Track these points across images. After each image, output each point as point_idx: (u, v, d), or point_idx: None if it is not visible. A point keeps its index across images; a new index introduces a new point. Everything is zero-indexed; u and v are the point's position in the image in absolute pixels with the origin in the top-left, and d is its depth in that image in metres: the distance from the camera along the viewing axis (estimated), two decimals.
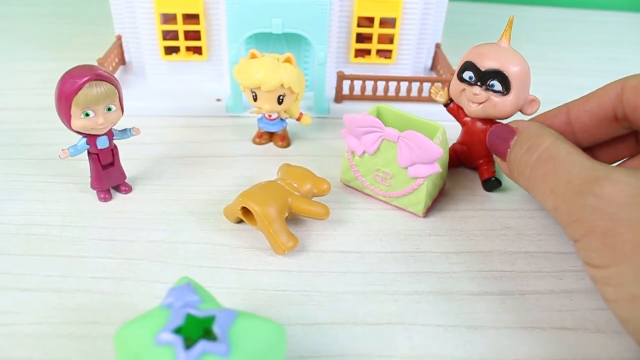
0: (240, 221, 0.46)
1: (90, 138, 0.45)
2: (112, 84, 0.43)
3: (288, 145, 0.56)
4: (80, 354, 0.35)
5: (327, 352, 0.36)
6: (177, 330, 0.29)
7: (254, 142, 0.56)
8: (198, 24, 0.60)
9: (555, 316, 0.39)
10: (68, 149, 0.45)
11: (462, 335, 0.37)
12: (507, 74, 0.45)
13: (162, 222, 0.46)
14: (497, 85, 0.46)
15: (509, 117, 0.47)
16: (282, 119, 0.54)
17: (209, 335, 0.29)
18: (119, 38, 0.65)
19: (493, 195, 0.51)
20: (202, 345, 0.28)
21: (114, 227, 0.45)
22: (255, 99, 0.51)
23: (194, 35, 0.61)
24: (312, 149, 0.56)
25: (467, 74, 0.47)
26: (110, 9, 0.64)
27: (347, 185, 0.50)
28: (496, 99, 0.46)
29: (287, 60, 0.50)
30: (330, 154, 0.55)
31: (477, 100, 0.47)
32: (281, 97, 0.50)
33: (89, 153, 0.46)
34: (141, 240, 0.44)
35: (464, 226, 0.47)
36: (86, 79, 0.41)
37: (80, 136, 0.45)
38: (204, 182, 0.51)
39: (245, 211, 0.44)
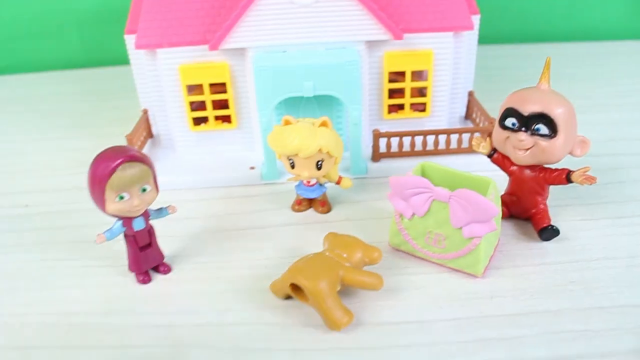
0: (288, 297, 0.43)
1: (126, 220, 0.43)
2: (146, 164, 0.41)
3: (329, 210, 0.54)
4: None
5: None
6: None
7: (293, 209, 0.54)
8: (225, 92, 0.59)
9: None
10: (104, 233, 0.43)
11: None
12: (552, 116, 0.43)
13: (206, 303, 0.43)
14: (543, 129, 0.44)
15: (559, 160, 0.45)
16: (321, 184, 0.52)
17: None
18: (145, 112, 0.64)
19: (551, 246, 0.48)
20: None
21: (156, 312, 0.43)
22: (292, 167, 0.49)
23: (222, 104, 0.60)
24: (354, 213, 0.54)
25: (510, 121, 0.45)
26: (135, 83, 0.63)
27: (396, 250, 0.48)
28: (544, 143, 0.44)
29: (323, 124, 0.48)
30: (373, 216, 0.53)
31: (524, 147, 0.45)
32: (320, 163, 0.48)
33: (125, 235, 0.44)
34: (187, 324, 0.41)
35: (526, 284, 0.44)
36: (119, 161, 0.40)
37: (116, 219, 0.43)
38: (246, 256, 0.48)
39: (295, 287, 0.41)
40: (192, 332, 0.41)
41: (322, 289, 0.40)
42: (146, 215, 0.44)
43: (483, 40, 0.93)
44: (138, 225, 0.44)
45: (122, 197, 0.41)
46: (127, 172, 0.40)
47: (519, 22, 1.01)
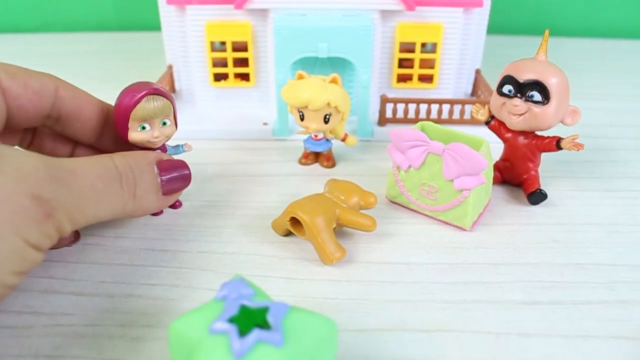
0: (288, 234, 0.46)
1: None
2: (168, 99, 0.45)
3: (333, 165, 0.57)
4: (132, 354, 0.36)
5: (378, 357, 0.36)
6: (231, 320, 0.29)
7: (300, 162, 0.57)
8: (246, 51, 0.62)
9: (610, 325, 0.38)
10: None
11: (514, 343, 0.37)
12: (545, 84, 0.46)
13: (211, 235, 0.47)
14: (537, 96, 0.46)
15: (551, 127, 0.48)
16: (327, 140, 0.55)
17: (263, 324, 0.29)
18: (170, 67, 0.68)
19: (539, 210, 0.50)
20: (256, 333, 0.28)
21: (165, 238, 0.46)
22: (302, 119, 0.52)
23: (242, 63, 0.63)
24: (357, 169, 0.57)
25: (507, 88, 0.48)
26: (163, 41, 0.67)
27: (392, 202, 0.51)
28: (536, 109, 0.47)
29: (333, 81, 0.51)
30: (374, 173, 0.56)
31: (518, 112, 0.48)
32: (327, 117, 0.51)
33: None
34: (192, 250, 0.45)
35: (510, 239, 0.46)
36: (144, 92, 0.43)
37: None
38: (252, 198, 0.52)
39: (294, 222, 0.44)
40: (196, 257, 0.44)
41: (318, 223, 0.43)
42: (164, 149, 0.47)
43: (498, 30, 0.95)
44: None
45: (144, 127, 0.44)
46: (150, 103, 0.43)
47: (535, 15, 1.03)
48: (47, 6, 1.03)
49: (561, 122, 0.48)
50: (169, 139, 0.46)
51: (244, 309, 0.30)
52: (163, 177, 0.43)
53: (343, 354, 0.36)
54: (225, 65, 0.63)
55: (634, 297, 0.40)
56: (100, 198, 0.37)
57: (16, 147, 0.45)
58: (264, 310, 0.30)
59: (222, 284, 0.32)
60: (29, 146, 0.47)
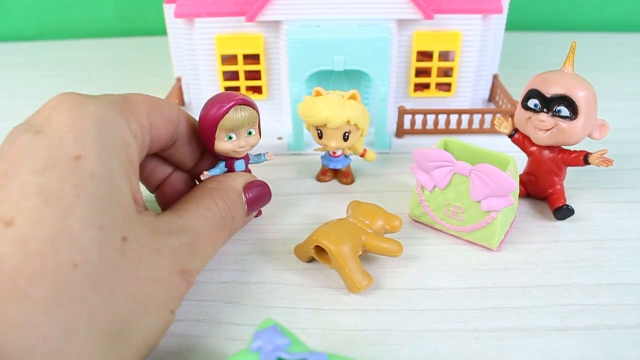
0: (311, 260, 0.45)
1: (229, 161, 0.47)
2: (255, 109, 0.45)
3: (352, 181, 0.56)
4: None
5: None
6: None
7: (318, 179, 0.56)
8: (258, 63, 0.61)
9: None
10: (208, 171, 0.46)
11: None
12: (573, 99, 0.45)
13: (232, 263, 0.46)
14: (564, 111, 0.45)
15: (578, 142, 0.47)
16: (346, 156, 0.54)
17: None
18: (179, 80, 0.66)
19: (565, 225, 0.49)
20: None
21: None
22: (320, 137, 0.51)
23: (254, 75, 0.62)
24: (376, 185, 0.56)
25: (532, 102, 0.47)
26: (171, 52, 0.65)
27: (416, 221, 0.50)
28: (564, 124, 0.45)
29: (353, 97, 0.50)
30: (395, 189, 0.55)
31: (545, 127, 0.46)
32: (347, 134, 0.50)
33: None
34: (213, 281, 0.44)
35: (539, 259, 0.45)
36: (233, 103, 0.43)
37: (220, 160, 0.47)
38: (272, 221, 0.51)
39: (318, 250, 0.43)
40: (218, 288, 0.43)
41: (344, 251, 0.42)
42: (246, 158, 0.48)
43: (512, 26, 0.94)
44: (239, 167, 0.47)
45: (230, 137, 0.44)
46: (238, 114, 0.44)
47: (549, 10, 1.02)
48: (48, 14, 1.02)
49: (589, 136, 0.47)
50: (253, 148, 0.47)
51: None
52: (248, 198, 0.45)
53: None
54: (236, 78, 0.62)
55: None
56: (214, 247, 0.41)
57: None
58: None
59: (256, 332, 0.32)
60: None
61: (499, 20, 0.62)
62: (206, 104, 0.44)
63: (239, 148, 0.45)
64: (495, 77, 0.66)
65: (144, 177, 0.46)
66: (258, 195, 0.46)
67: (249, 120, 0.44)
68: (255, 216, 0.51)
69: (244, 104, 0.44)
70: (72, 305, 0.28)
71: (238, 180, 0.45)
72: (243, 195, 0.45)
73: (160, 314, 0.34)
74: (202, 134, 0.44)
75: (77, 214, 0.30)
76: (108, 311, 0.30)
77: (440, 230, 0.48)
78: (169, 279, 0.35)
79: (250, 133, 0.45)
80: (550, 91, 0.46)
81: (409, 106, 0.60)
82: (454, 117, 0.61)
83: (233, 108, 0.43)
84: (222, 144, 0.44)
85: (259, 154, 0.49)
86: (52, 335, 0.27)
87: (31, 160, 0.31)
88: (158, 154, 0.45)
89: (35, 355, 0.27)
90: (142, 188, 0.44)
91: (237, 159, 0.47)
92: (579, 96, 0.45)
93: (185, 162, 0.46)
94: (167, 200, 0.46)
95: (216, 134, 0.44)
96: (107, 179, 0.32)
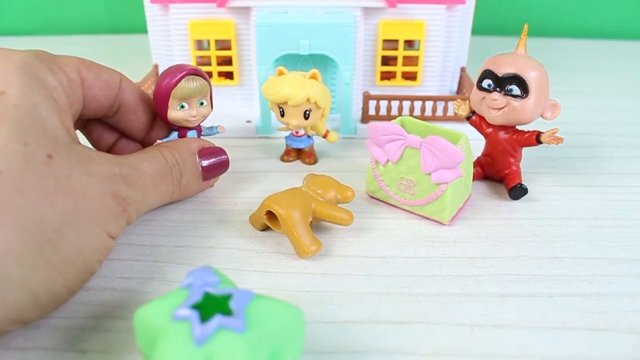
0: (265, 229, 0.46)
1: (182, 131, 0.48)
2: (206, 80, 0.47)
3: (315, 162, 0.57)
4: (105, 344, 0.35)
5: (349, 348, 0.35)
6: (194, 307, 0.29)
7: (282, 159, 0.57)
8: (230, 49, 0.62)
9: (586, 317, 0.38)
10: (161, 140, 0.48)
11: (489, 334, 0.36)
12: (524, 78, 0.46)
13: (189, 230, 0.47)
14: (516, 90, 0.46)
15: (530, 121, 0.48)
16: (308, 136, 0.55)
17: (225, 311, 0.29)
18: (156, 67, 0.68)
19: (520, 205, 0.50)
20: (217, 320, 0.28)
21: (143, 233, 0.46)
22: (282, 115, 0.52)
23: (226, 61, 0.63)
24: (338, 166, 0.57)
25: (486, 82, 0.48)
26: (149, 40, 0.67)
27: (372, 197, 0.51)
28: (515, 103, 0.47)
29: (313, 77, 0.51)
30: (357, 169, 0.56)
31: (497, 106, 0.48)
32: (307, 113, 0.51)
33: None
34: (169, 245, 0.45)
35: (490, 233, 0.46)
36: (185, 72, 0.45)
37: (173, 130, 0.48)
38: (232, 194, 0.52)
39: (270, 216, 0.44)
40: (172, 251, 0.44)
41: (294, 216, 0.42)
42: (199, 129, 0.49)
43: (486, 31, 0.96)
44: (191, 136, 0.49)
45: (182, 106, 0.46)
46: (190, 83, 0.45)
47: (523, 16, 1.04)
48: (39, 10, 1.04)
49: (541, 116, 0.48)
50: (205, 119, 0.48)
51: (207, 296, 0.30)
52: (204, 164, 0.47)
53: (314, 345, 0.35)
54: (209, 63, 0.63)
55: (611, 290, 0.40)
56: (157, 191, 0.43)
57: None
58: (227, 297, 0.30)
59: (188, 272, 0.32)
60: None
61: (465, 13, 0.64)
62: (160, 74, 0.46)
63: (191, 117, 0.47)
64: (463, 69, 0.67)
65: (93, 143, 0.49)
66: (216, 162, 0.48)
67: (201, 90, 0.46)
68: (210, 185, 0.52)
69: (196, 74, 0.46)
70: None
71: (192, 142, 0.47)
72: (197, 157, 0.46)
73: (94, 231, 0.36)
74: (156, 104, 0.46)
75: (1, 133, 0.33)
76: (35, 215, 0.32)
77: (395, 206, 0.49)
78: (100, 198, 0.36)
79: (202, 103, 0.47)
80: (502, 71, 0.47)
81: (374, 94, 0.62)
82: (418, 105, 0.62)
83: (185, 78, 0.45)
84: (174, 113, 0.46)
85: (212, 127, 0.51)
86: None
87: None
88: (105, 121, 0.48)
89: None
90: None
91: (190, 129, 0.48)
92: (530, 76, 0.46)
93: (132, 130, 0.48)
94: None
95: (169, 103, 0.45)
96: (31, 110, 0.35)
